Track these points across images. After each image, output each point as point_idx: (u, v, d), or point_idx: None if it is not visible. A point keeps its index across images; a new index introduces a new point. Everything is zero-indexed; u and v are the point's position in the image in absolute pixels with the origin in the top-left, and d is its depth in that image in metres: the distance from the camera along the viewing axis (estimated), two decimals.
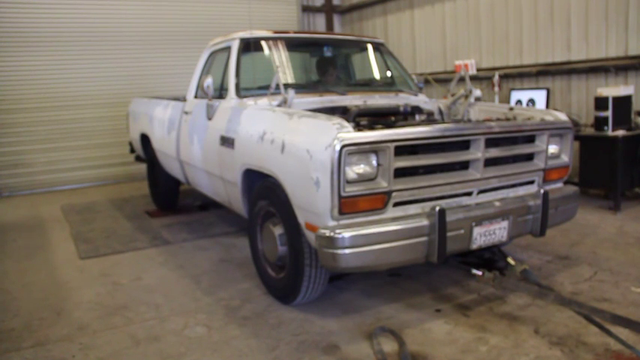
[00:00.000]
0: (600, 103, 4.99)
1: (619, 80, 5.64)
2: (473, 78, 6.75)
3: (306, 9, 10.03)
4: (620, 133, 4.95)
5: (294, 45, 4.17)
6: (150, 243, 4.64)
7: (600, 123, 5.00)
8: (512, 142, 3.09)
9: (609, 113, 4.93)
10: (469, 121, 3.51)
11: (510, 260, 3.19)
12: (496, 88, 6.83)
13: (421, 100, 4.11)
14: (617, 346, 2.52)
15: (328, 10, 10.28)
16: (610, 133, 4.95)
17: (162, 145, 5.06)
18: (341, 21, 10.46)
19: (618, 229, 4.48)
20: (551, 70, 6.31)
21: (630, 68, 5.53)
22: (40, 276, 3.93)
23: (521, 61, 6.73)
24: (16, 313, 3.26)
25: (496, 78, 6.81)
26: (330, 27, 10.28)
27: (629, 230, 4.44)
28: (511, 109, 3.65)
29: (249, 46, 3.90)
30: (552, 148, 3.29)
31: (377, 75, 4.55)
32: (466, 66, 7.05)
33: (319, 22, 10.33)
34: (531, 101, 6.15)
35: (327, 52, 4.39)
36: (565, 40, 6.14)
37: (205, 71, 4.37)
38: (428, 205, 2.74)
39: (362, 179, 2.56)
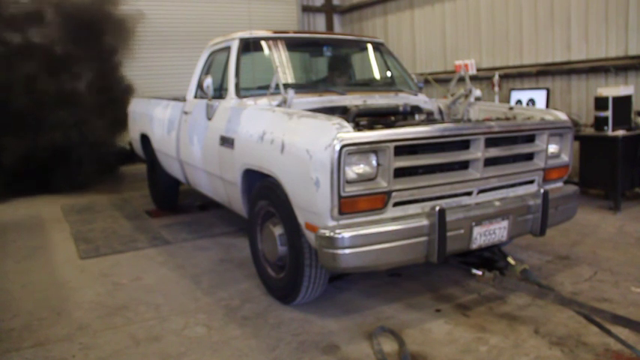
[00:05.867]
0: (600, 103, 4.99)
1: (619, 80, 5.64)
2: (473, 78, 6.75)
3: (306, 9, 10.04)
4: (620, 133, 4.94)
5: (293, 45, 4.16)
6: (150, 243, 4.64)
7: (600, 123, 5.00)
8: (512, 141, 3.09)
9: (609, 113, 4.92)
10: (469, 120, 3.51)
11: (510, 260, 3.19)
12: (496, 88, 6.83)
13: (421, 99, 4.11)
14: (617, 346, 2.52)
15: (328, 10, 10.29)
16: (610, 133, 4.94)
17: (162, 145, 5.06)
18: (341, 21, 10.46)
19: (618, 229, 4.47)
20: (551, 70, 6.31)
21: (630, 68, 5.53)
22: (40, 276, 3.93)
23: (521, 61, 6.73)
24: (16, 313, 3.26)
25: (496, 78, 6.82)
26: (330, 27, 10.29)
27: (629, 230, 4.44)
28: (511, 108, 3.65)
29: (249, 46, 3.89)
30: (552, 148, 3.28)
31: (377, 75, 4.55)
32: (466, 66, 7.05)
33: (319, 22, 10.34)
34: (531, 101, 6.15)
35: (327, 52, 4.39)
36: (565, 40, 6.15)
37: (205, 71, 4.37)
38: (428, 204, 2.74)
39: (362, 179, 2.56)
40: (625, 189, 5.18)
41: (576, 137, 5.04)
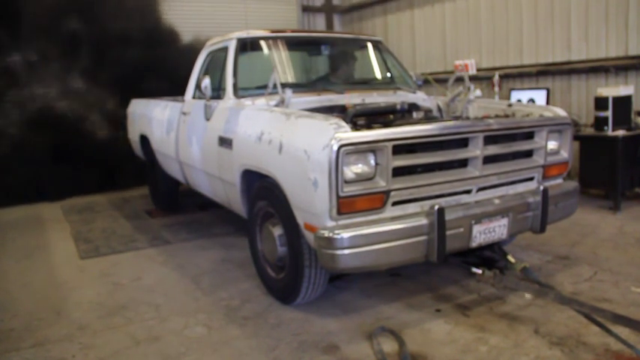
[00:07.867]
0: (600, 103, 4.98)
1: (619, 80, 5.63)
2: (473, 78, 6.73)
3: (306, 9, 10.04)
4: (620, 133, 4.93)
5: (291, 44, 4.15)
6: (150, 243, 4.64)
7: (600, 123, 4.99)
8: (511, 138, 3.08)
9: (609, 113, 4.91)
10: (467, 118, 3.50)
11: (510, 258, 3.18)
12: (496, 88, 6.82)
13: (419, 97, 4.10)
14: (617, 346, 2.51)
15: (328, 10, 10.28)
16: (610, 133, 4.93)
17: (162, 146, 5.06)
18: (341, 21, 10.46)
19: (618, 229, 4.47)
20: (551, 70, 6.30)
21: (630, 68, 5.52)
22: (40, 276, 3.93)
23: (521, 61, 6.72)
24: (16, 313, 3.26)
25: (496, 78, 6.81)
26: (330, 27, 10.28)
27: (629, 230, 4.43)
28: (510, 105, 3.63)
29: (247, 45, 3.89)
30: (551, 144, 3.26)
31: (375, 73, 4.54)
32: (466, 66, 7.04)
33: (319, 22, 10.34)
34: (531, 101, 6.14)
35: (325, 51, 4.38)
36: (565, 40, 6.14)
37: (203, 72, 4.36)
38: (427, 203, 2.74)
39: (360, 179, 2.55)
40: (625, 189, 5.18)
41: (576, 137, 5.03)
